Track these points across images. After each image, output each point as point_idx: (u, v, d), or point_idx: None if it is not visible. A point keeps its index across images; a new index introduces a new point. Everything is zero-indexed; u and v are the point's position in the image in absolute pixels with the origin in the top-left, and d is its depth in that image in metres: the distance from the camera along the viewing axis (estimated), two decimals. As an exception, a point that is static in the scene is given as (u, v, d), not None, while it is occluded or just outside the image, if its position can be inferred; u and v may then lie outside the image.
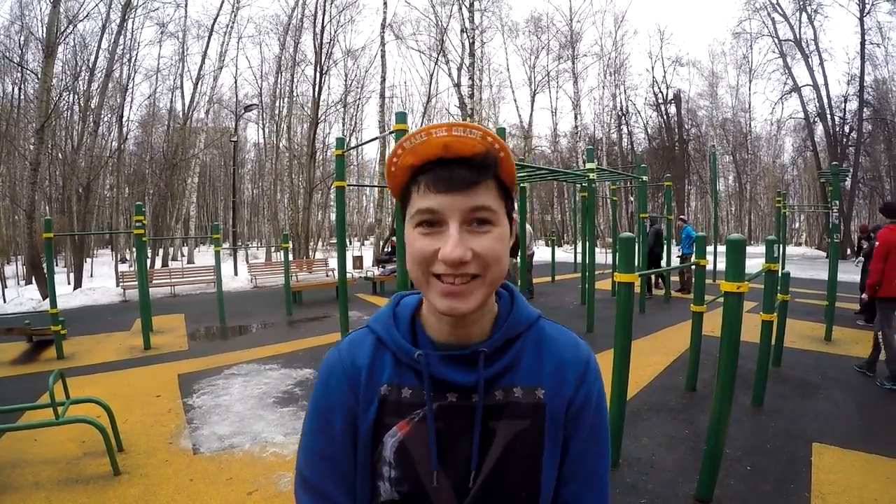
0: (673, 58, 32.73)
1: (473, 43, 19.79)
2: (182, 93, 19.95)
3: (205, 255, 22.96)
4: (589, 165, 6.36)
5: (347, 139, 19.91)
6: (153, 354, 5.49)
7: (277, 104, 19.22)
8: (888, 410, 3.57)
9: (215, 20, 19.09)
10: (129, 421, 3.44)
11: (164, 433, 3.30)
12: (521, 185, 8.61)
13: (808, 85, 21.53)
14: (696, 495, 2.42)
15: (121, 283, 10.88)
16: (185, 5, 18.87)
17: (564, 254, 18.00)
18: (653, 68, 30.52)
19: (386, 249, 16.62)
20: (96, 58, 15.44)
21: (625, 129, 30.99)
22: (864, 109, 20.12)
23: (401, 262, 4.55)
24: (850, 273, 8.97)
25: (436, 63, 20.94)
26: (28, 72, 15.28)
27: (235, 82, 23.83)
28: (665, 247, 9.14)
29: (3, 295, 11.08)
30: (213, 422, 3.48)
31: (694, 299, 3.90)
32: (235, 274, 14.16)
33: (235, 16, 19.81)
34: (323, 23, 17.10)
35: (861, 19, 19.06)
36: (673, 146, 29.22)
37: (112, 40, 15.45)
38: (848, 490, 2.48)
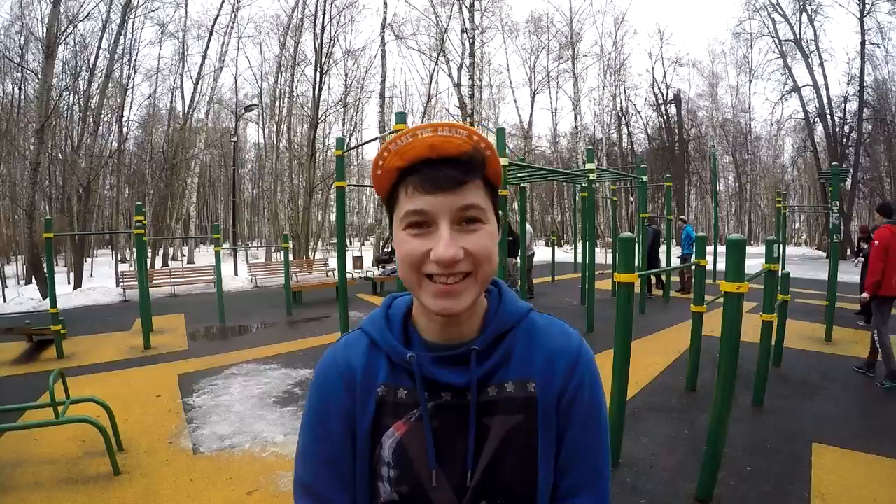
0: (673, 58, 32.80)
1: (473, 43, 19.80)
2: (182, 93, 19.97)
3: (205, 255, 22.97)
4: (589, 166, 6.37)
5: (347, 139, 19.92)
6: (153, 354, 5.49)
7: (277, 104, 19.20)
8: (888, 411, 3.57)
9: (215, 20, 19.13)
10: (129, 421, 3.44)
11: (164, 433, 3.30)
12: (522, 185, 8.62)
13: (808, 85, 21.55)
14: (696, 495, 2.42)
15: (121, 283, 10.88)
16: (185, 5, 18.90)
17: (564, 254, 18.00)
18: (653, 68, 30.59)
19: (386, 249, 16.65)
20: (96, 58, 15.46)
21: (625, 130, 31.03)
22: (864, 110, 20.10)
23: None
24: (850, 273, 8.96)
25: (436, 63, 20.95)
26: (28, 72, 15.30)
27: (235, 82, 23.85)
28: (660, 246, 9.18)
29: (4, 294, 11.08)
30: (213, 421, 3.48)
31: (694, 299, 3.90)
32: (235, 274, 14.16)
33: (235, 16, 19.85)
34: (323, 23, 17.11)
35: (861, 19, 19.06)
36: (673, 146, 29.24)
37: (112, 40, 15.46)
38: (848, 490, 2.48)
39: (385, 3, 18.07)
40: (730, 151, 30.51)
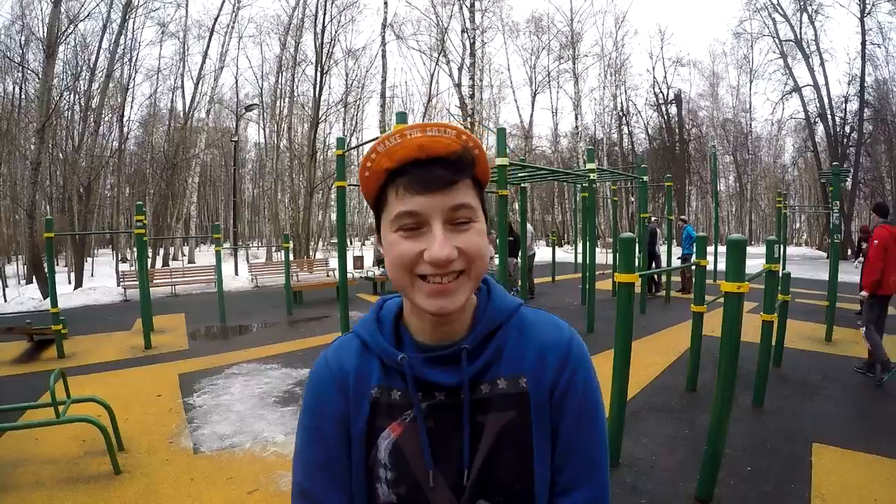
0: (673, 58, 32.88)
1: (474, 43, 19.80)
2: (183, 93, 20.00)
3: (205, 255, 22.97)
4: (589, 166, 6.36)
5: (348, 139, 19.93)
6: (154, 354, 5.50)
7: (278, 104, 19.21)
8: (888, 411, 3.57)
9: (216, 20, 19.14)
10: (130, 420, 3.44)
11: (165, 432, 3.30)
12: (522, 185, 8.62)
13: (808, 85, 21.53)
14: (696, 495, 2.43)
15: (121, 283, 10.88)
16: (186, 5, 18.93)
17: (565, 254, 18.00)
18: (653, 68, 30.59)
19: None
20: (97, 58, 15.48)
21: (625, 130, 31.02)
22: (865, 110, 20.08)
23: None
24: (850, 274, 8.96)
25: (436, 63, 20.98)
26: (29, 71, 15.31)
27: (236, 82, 23.88)
28: (657, 246, 9.20)
29: (4, 294, 11.08)
30: (213, 421, 3.48)
31: (694, 300, 3.90)
32: (236, 274, 14.17)
33: (236, 16, 19.86)
34: (324, 23, 17.11)
35: (862, 20, 19.04)
36: (673, 146, 29.22)
37: (113, 40, 15.48)
38: (848, 490, 2.48)
39: (385, 3, 18.10)
40: (730, 151, 30.49)
